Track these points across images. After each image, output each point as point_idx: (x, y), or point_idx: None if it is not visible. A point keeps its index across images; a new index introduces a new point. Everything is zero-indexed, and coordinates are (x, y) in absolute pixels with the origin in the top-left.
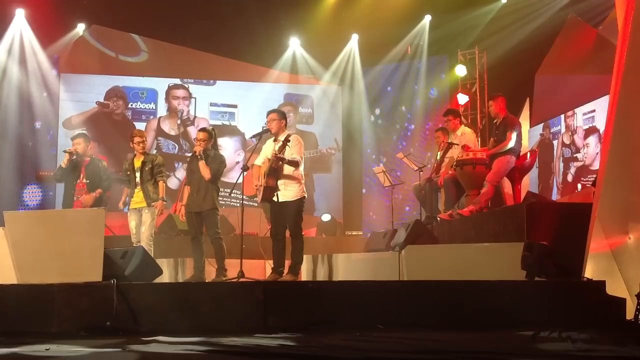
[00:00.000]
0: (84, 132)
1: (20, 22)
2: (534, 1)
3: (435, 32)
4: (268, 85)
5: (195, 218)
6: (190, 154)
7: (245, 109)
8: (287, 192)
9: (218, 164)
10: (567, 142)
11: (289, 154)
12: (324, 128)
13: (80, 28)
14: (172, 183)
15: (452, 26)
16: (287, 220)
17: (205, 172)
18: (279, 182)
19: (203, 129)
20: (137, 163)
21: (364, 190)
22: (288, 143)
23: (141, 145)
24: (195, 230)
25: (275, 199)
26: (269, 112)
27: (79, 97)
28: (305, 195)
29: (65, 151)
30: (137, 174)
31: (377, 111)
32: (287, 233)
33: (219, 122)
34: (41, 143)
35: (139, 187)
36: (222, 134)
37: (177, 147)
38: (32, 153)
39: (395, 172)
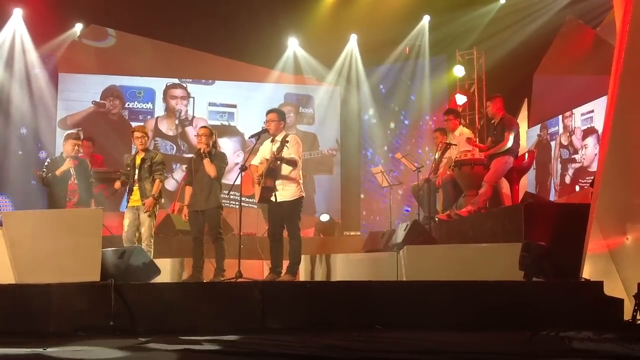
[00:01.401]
0: (75, 132)
1: (16, 22)
2: (533, 2)
3: (433, 32)
4: (268, 85)
5: (199, 217)
6: (189, 155)
7: (244, 109)
8: (285, 192)
9: (221, 161)
10: (565, 143)
11: (287, 154)
12: (325, 129)
13: (78, 28)
14: (170, 185)
15: (451, 27)
16: (285, 220)
17: (210, 169)
18: (277, 182)
19: (204, 126)
20: (138, 160)
21: (362, 194)
22: (287, 143)
23: (141, 140)
24: (197, 229)
25: (273, 199)
26: (269, 112)
27: (75, 96)
28: (303, 195)
29: (69, 157)
30: (136, 171)
31: (373, 111)
32: (285, 233)
33: (217, 123)
34: (29, 148)
35: (137, 184)
36: (221, 134)
37: (175, 148)
38: (16, 160)
39: (393, 173)
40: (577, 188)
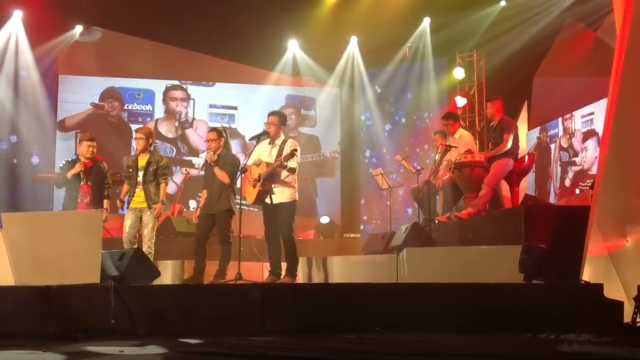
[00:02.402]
0: (88, 133)
1: (14, 24)
2: (533, 5)
3: (434, 35)
4: (268, 87)
5: (208, 220)
6: (189, 158)
7: (245, 110)
8: (282, 194)
9: (231, 165)
10: (565, 145)
11: (293, 162)
12: (327, 131)
13: (78, 30)
14: (170, 187)
15: (451, 29)
16: (279, 222)
17: (222, 177)
18: (274, 185)
19: (213, 129)
20: (142, 162)
21: (362, 196)
22: (295, 152)
23: (141, 142)
24: (202, 231)
25: (268, 200)
26: (271, 114)
27: (74, 98)
28: (297, 199)
29: (78, 161)
30: (140, 173)
31: (373, 113)
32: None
33: (218, 125)
34: (21, 155)
35: (140, 186)
36: None
37: (174, 150)
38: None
39: (393, 175)
40: (577, 191)
